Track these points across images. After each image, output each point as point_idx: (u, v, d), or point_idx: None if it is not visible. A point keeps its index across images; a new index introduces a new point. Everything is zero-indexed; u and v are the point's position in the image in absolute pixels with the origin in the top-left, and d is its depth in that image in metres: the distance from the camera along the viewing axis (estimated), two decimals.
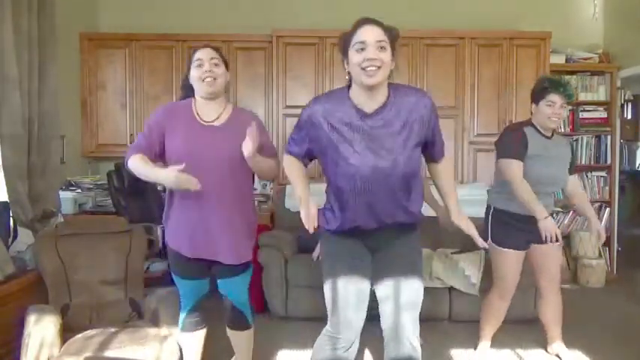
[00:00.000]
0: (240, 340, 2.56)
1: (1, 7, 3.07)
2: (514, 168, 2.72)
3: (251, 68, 4.87)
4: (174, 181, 2.08)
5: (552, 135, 2.86)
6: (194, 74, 2.28)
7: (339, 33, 1.94)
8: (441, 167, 2.12)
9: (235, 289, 2.42)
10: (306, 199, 1.89)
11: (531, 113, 2.88)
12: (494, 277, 2.99)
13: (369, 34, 1.79)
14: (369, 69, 1.78)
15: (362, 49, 1.79)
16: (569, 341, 3.19)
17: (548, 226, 2.64)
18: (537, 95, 2.82)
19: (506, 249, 2.86)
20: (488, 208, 2.96)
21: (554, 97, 2.74)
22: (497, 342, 3.33)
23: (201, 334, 2.56)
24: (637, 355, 3.16)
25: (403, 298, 2.01)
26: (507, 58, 4.80)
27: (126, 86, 4.87)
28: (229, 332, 2.56)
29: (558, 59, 4.99)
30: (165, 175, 2.10)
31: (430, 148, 2.05)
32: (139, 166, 2.18)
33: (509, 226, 2.83)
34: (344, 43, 1.86)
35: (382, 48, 1.80)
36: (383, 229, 2.01)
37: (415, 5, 5.14)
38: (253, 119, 2.26)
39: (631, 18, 4.91)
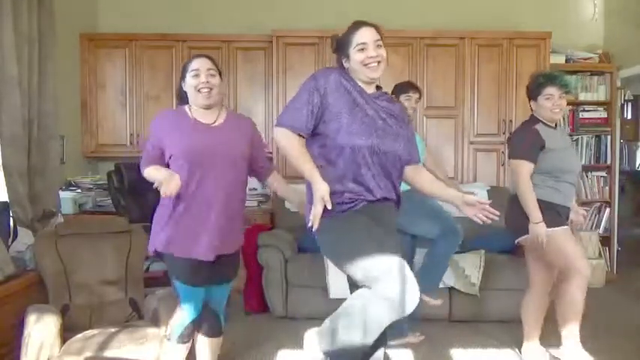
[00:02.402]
0: (211, 346, 2.53)
1: (1, 7, 3.08)
2: (524, 169, 2.72)
3: (251, 68, 4.87)
4: (166, 176, 2.15)
5: (556, 126, 2.88)
6: (190, 82, 2.31)
7: (339, 33, 2.14)
8: (420, 168, 2.26)
9: (224, 295, 2.51)
10: (318, 176, 1.93)
11: (532, 110, 2.89)
12: (563, 266, 2.74)
13: (368, 35, 2.03)
14: (371, 65, 2.02)
15: (363, 49, 2.02)
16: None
17: (541, 231, 2.67)
18: (534, 92, 2.83)
19: (559, 227, 2.72)
20: (518, 199, 2.80)
21: (551, 90, 2.77)
22: (496, 341, 3.34)
23: (189, 346, 2.44)
24: (637, 355, 3.16)
25: None
26: (507, 58, 4.79)
27: (126, 86, 4.87)
28: (201, 339, 2.48)
29: (558, 59, 4.99)
30: (161, 175, 2.18)
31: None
32: (152, 175, 2.25)
33: (553, 211, 2.74)
34: (342, 44, 2.08)
35: (379, 46, 2.04)
36: (383, 204, 2.05)
37: (415, 5, 5.14)
38: (248, 120, 2.51)
39: (631, 18, 4.91)
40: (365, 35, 2.02)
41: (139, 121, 4.87)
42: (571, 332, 2.80)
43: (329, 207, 1.89)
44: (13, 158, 3.15)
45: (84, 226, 3.13)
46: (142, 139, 2.41)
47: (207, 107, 2.34)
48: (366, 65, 2.02)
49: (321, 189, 1.91)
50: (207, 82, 2.29)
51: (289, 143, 2.00)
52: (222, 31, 4.93)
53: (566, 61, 5.07)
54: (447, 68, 4.79)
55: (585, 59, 5.11)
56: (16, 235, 3.20)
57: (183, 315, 2.34)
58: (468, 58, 4.78)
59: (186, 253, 2.25)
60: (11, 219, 3.20)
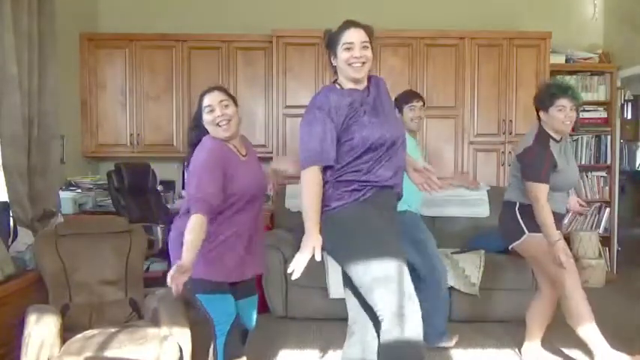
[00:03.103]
0: None
1: (1, 7, 3.07)
2: (544, 194, 2.68)
3: (251, 68, 4.87)
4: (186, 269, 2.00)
5: (561, 139, 2.84)
6: (207, 119, 2.32)
7: (333, 28, 2.19)
8: None
9: (253, 306, 2.50)
10: (317, 230, 2.02)
11: (539, 121, 2.83)
12: (556, 269, 2.70)
13: (356, 36, 2.09)
14: (355, 65, 2.09)
15: (349, 49, 2.08)
16: (569, 341, 3.18)
17: (561, 248, 2.65)
18: (546, 102, 2.77)
19: None
20: (511, 205, 2.84)
21: (564, 101, 2.72)
22: (496, 341, 3.34)
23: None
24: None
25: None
26: (507, 58, 4.80)
27: (126, 86, 4.87)
28: None
29: (558, 59, 4.99)
30: (189, 259, 2.02)
31: None
32: (194, 232, 2.05)
33: None
34: (331, 41, 2.15)
35: (365, 47, 2.10)
36: (388, 191, 2.14)
37: (415, 5, 5.14)
38: (247, 141, 2.55)
39: (631, 18, 4.91)
40: (352, 36, 2.09)
41: (139, 121, 4.88)
42: (593, 335, 2.75)
43: (317, 259, 1.99)
44: (13, 158, 3.15)
45: (84, 226, 3.12)
46: (198, 186, 2.17)
47: (230, 138, 2.34)
48: (350, 65, 2.08)
49: (317, 242, 2.01)
50: (223, 114, 2.30)
51: (309, 188, 2.04)
52: (222, 31, 4.93)
53: (566, 61, 5.08)
54: (447, 68, 4.79)
55: (585, 59, 5.11)
56: (16, 235, 3.20)
57: (219, 330, 2.26)
58: (468, 59, 4.79)
59: (222, 278, 2.27)
60: (11, 219, 3.20)
